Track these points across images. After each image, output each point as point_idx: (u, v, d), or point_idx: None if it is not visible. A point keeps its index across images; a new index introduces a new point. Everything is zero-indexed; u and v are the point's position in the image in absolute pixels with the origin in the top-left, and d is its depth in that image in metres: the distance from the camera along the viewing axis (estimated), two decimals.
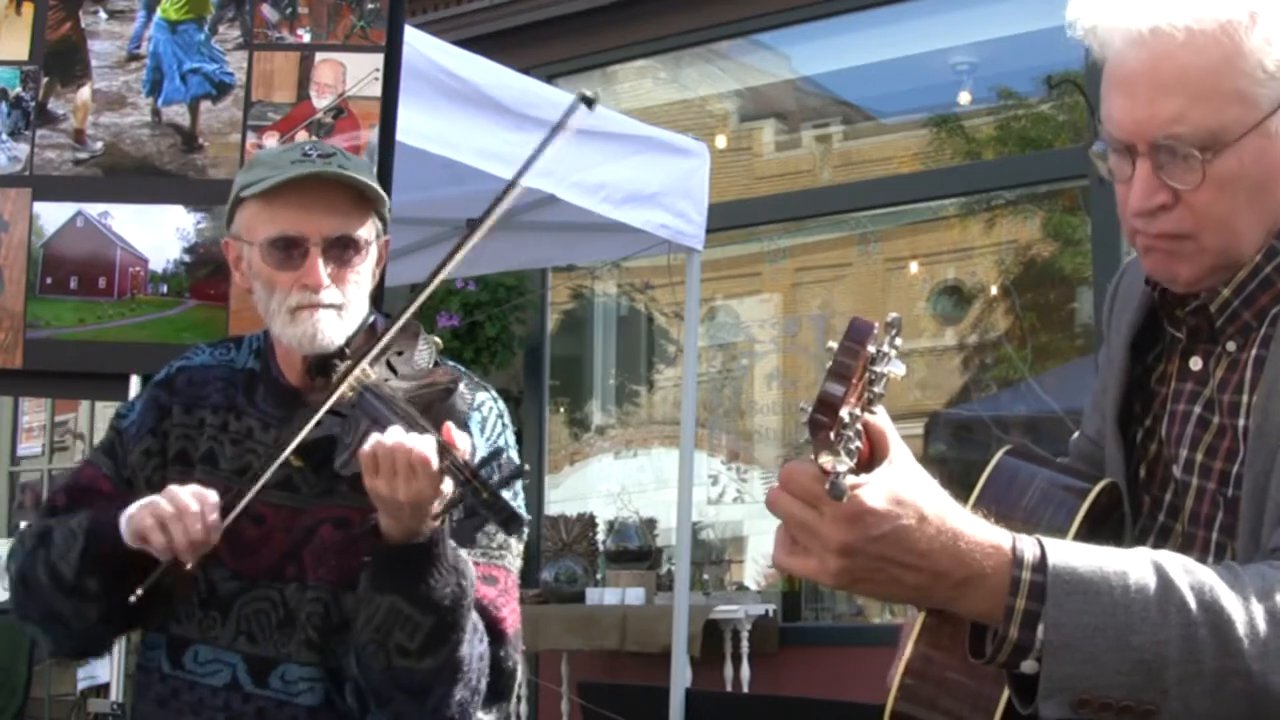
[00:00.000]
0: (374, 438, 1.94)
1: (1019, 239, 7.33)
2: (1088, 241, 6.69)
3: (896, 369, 1.25)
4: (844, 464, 1.19)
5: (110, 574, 2.09)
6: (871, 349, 1.22)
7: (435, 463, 1.90)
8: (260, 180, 2.16)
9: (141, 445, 2.26)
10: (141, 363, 3.24)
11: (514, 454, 2.21)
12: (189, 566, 2.06)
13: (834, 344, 1.22)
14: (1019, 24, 6.83)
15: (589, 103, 2.18)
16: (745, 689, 6.60)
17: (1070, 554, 1.34)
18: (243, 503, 2.06)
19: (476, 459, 1.98)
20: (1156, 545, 1.61)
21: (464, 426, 2.08)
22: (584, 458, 8.21)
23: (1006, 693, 1.46)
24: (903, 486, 1.28)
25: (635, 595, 6.87)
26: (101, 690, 7.22)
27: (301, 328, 2.15)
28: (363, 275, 2.21)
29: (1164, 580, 1.33)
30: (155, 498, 2.05)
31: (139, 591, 2.03)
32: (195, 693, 2.16)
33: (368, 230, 2.21)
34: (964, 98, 7.34)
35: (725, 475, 7.79)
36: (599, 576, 7.32)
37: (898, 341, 1.25)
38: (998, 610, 1.33)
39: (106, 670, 6.85)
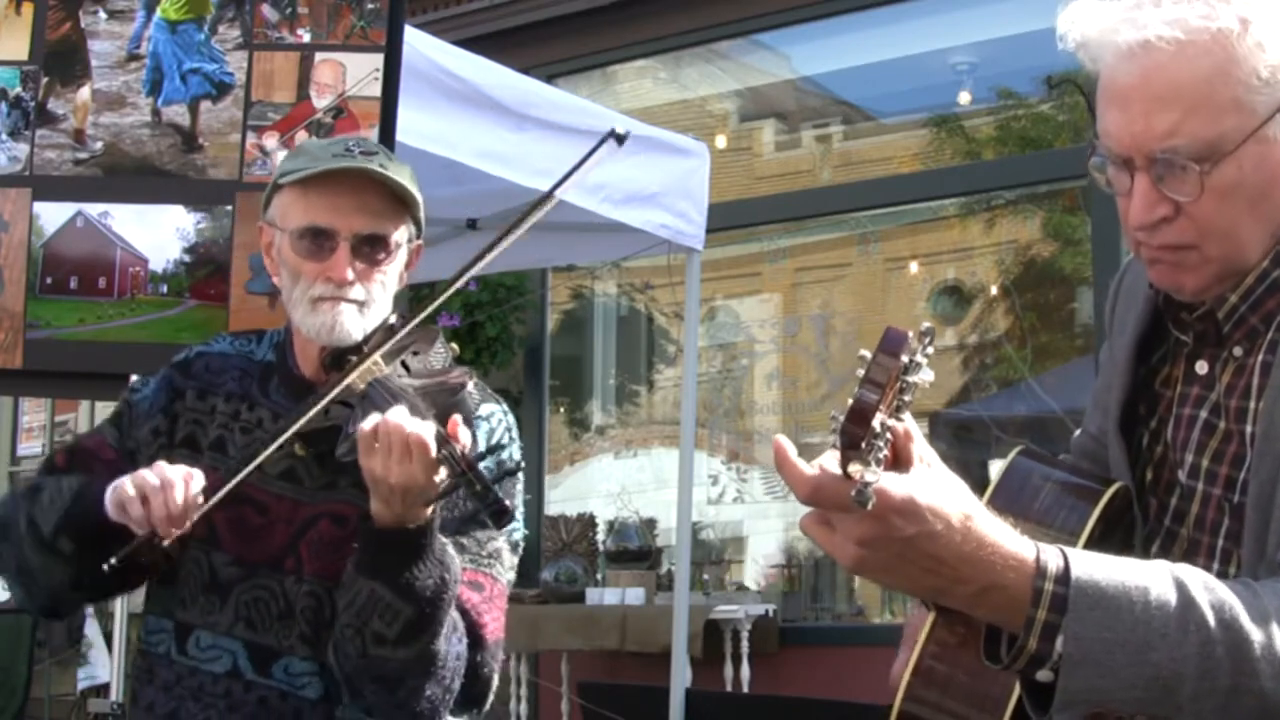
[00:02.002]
0: (375, 416, 1.94)
1: (1019, 239, 7.33)
2: (1088, 241, 6.69)
3: (926, 377, 1.25)
4: (873, 474, 1.19)
5: (87, 540, 2.09)
6: (905, 359, 1.22)
7: (433, 449, 1.90)
8: (301, 169, 2.17)
9: (151, 423, 2.27)
10: (141, 363, 3.24)
11: (520, 485, 2.22)
12: (166, 543, 2.04)
13: (866, 352, 1.22)
14: (1019, 24, 6.83)
15: (619, 139, 2.21)
16: (745, 689, 6.60)
17: (1094, 567, 1.33)
18: (229, 486, 2.05)
19: (475, 454, 1.98)
20: (1162, 550, 1.61)
21: (468, 426, 2.08)
22: (584, 458, 8.21)
23: (1015, 696, 1.46)
24: (930, 490, 1.28)
25: (635, 595, 6.87)
26: (101, 690, 7.22)
27: (322, 318, 2.15)
28: (390, 276, 2.21)
29: (1185, 597, 1.33)
30: (142, 470, 2.05)
31: (111, 561, 2.02)
32: (196, 679, 2.16)
33: (400, 233, 2.21)
34: (964, 98, 7.34)
35: (725, 475, 7.79)
36: (599, 576, 7.32)
37: (929, 350, 1.25)
38: (1017, 620, 1.33)
39: (106, 670, 6.86)
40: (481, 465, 1.96)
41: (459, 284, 2.21)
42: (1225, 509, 1.55)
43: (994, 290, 7.37)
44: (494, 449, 2.07)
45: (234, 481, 2.05)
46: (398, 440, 1.90)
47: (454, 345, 2.29)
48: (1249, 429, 1.53)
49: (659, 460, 7.88)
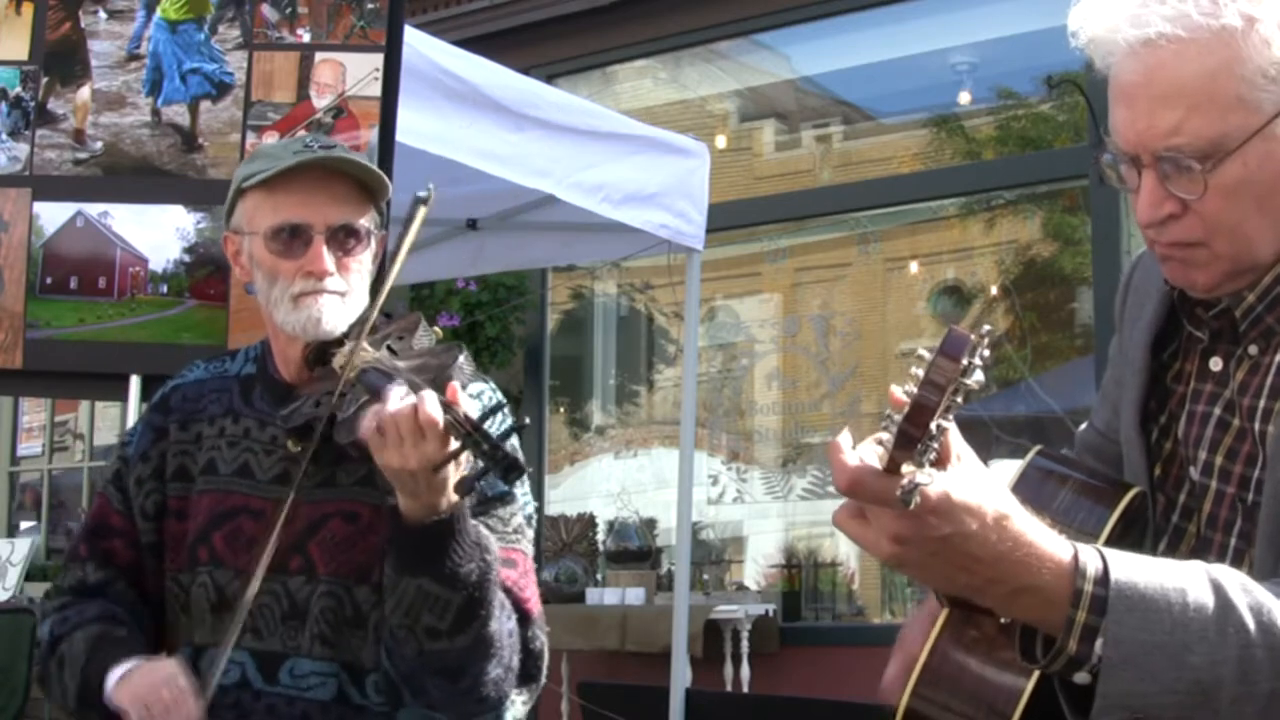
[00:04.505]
0: (374, 409, 1.94)
1: (1019, 239, 7.33)
2: (1088, 241, 6.68)
3: (979, 379, 1.25)
4: (926, 476, 1.20)
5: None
6: (964, 361, 1.22)
7: (440, 419, 1.89)
8: (263, 171, 2.17)
9: (136, 473, 2.28)
10: (141, 363, 3.24)
11: (516, 443, 2.21)
12: None
13: (925, 352, 1.23)
14: (1019, 24, 6.83)
15: (423, 201, 2.21)
16: (745, 689, 6.61)
17: (1132, 568, 1.33)
18: (220, 665, 2.07)
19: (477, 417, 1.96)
20: (1169, 547, 1.60)
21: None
22: (584, 458, 8.21)
23: (1024, 698, 1.45)
24: (966, 489, 1.27)
25: (635, 595, 6.87)
26: None
27: (306, 313, 2.15)
28: (364, 264, 2.22)
29: (1223, 600, 1.33)
30: (138, 684, 2.07)
31: None
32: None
33: (368, 220, 2.23)
34: (964, 98, 7.34)
35: (725, 475, 7.79)
36: (599, 576, 7.32)
37: (985, 353, 1.26)
38: (1056, 620, 1.32)
39: None
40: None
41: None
42: (1238, 508, 1.55)
43: (994, 290, 7.37)
44: (495, 409, 2.04)
45: (228, 650, 2.08)
46: (406, 425, 1.89)
47: (437, 329, 2.29)
48: (1259, 427, 1.53)
49: (659, 460, 7.87)
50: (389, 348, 2.15)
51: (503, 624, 2.04)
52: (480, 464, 1.91)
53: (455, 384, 1.97)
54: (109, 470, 2.35)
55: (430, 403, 1.90)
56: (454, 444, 1.90)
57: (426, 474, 1.92)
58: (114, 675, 2.11)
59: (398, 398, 1.93)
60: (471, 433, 1.89)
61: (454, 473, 1.94)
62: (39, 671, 2.28)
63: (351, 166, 2.19)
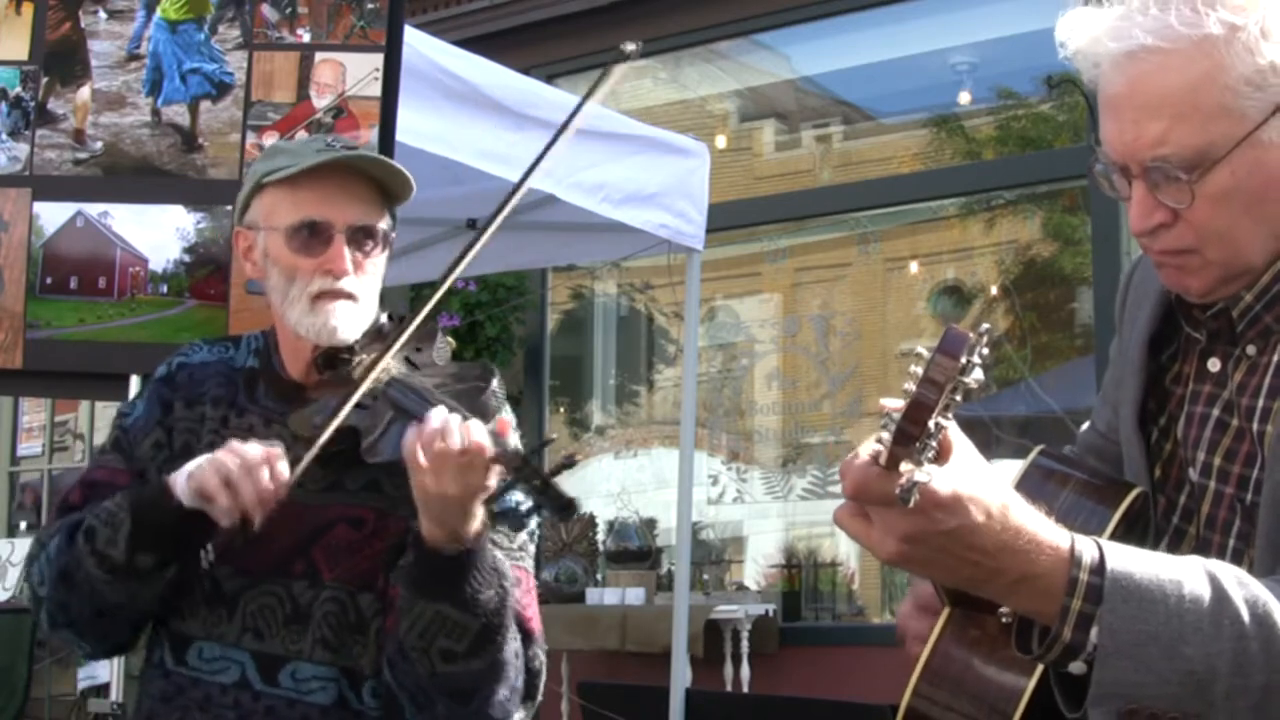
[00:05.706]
0: (415, 428, 1.90)
1: (1019, 239, 7.33)
2: (1088, 241, 6.69)
3: (978, 378, 1.25)
4: (925, 474, 1.20)
5: (161, 547, 2.04)
6: (963, 360, 1.23)
7: (489, 450, 1.86)
8: (285, 167, 2.16)
9: (151, 438, 2.24)
10: (141, 363, 3.24)
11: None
12: (256, 525, 1.97)
13: (923, 350, 1.23)
14: (1019, 24, 6.83)
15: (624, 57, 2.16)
16: (745, 689, 6.61)
17: (1128, 559, 1.34)
18: (307, 458, 1.99)
19: (527, 450, 1.93)
20: (1170, 548, 1.61)
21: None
22: (584, 458, 8.21)
23: (1025, 698, 1.45)
24: (971, 481, 1.28)
25: (635, 595, 6.88)
26: (101, 690, 7.22)
27: (321, 317, 2.14)
28: (379, 268, 2.22)
29: (1218, 592, 1.33)
30: (217, 454, 1.99)
31: (210, 558, 2.00)
32: (200, 689, 2.14)
33: (384, 224, 2.23)
34: (964, 98, 7.34)
35: (725, 475, 7.79)
36: (599, 576, 7.32)
37: (984, 352, 1.26)
38: (1052, 609, 1.33)
39: (106, 670, 6.86)
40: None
41: (450, 280, 2.18)
42: (1237, 509, 1.55)
43: (994, 290, 7.37)
44: (545, 443, 2.01)
45: (312, 452, 1.99)
46: (454, 453, 1.86)
47: (451, 339, 2.28)
48: (1258, 427, 1.53)
49: (659, 460, 7.87)
50: (407, 359, 2.13)
51: (512, 646, 2.05)
52: (531, 501, 1.88)
53: (504, 418, 1.96)
54: (107, 441, 2.30)
55: (478, 431, 1.87)
56: (502, 478, 1.87)
57: (466, 504, 1.90)
58: (180, 477, 2.01)
59: (438, 422, 1.89)
60: (523, 467, 1.85)
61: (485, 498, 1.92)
62: (62, 567, 2.10)
63: (379, 168, 2.20)
